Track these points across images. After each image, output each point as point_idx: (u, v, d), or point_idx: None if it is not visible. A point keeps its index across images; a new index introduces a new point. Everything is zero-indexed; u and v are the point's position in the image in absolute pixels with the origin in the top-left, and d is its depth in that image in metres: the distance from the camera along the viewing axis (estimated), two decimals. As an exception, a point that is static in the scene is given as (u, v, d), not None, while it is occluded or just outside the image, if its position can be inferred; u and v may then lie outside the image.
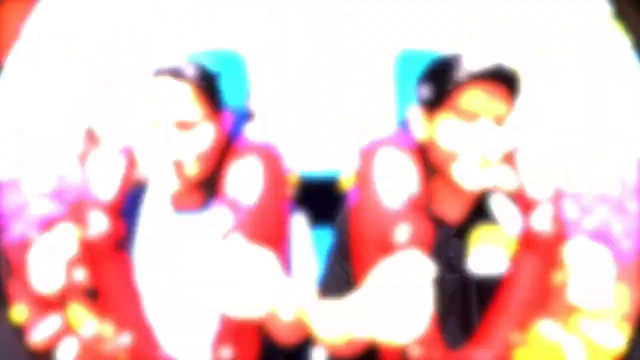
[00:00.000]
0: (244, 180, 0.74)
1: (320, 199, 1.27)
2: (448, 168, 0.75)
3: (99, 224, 0.76)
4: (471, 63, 0.72)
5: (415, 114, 0.79)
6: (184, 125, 0.74)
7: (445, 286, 0.77)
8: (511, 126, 0.74)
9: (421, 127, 0.79)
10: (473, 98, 0.72)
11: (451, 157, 0.74)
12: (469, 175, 0.73)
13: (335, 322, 0.64)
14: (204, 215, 0.82)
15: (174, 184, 0.76)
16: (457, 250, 0.78)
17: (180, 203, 0.83)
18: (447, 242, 0.78)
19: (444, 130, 0.74)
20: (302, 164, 1.37)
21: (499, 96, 0.73)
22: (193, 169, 0.76)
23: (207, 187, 0.83)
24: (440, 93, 0.75)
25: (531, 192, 0.77)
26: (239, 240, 0.68)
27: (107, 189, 0.80)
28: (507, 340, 0.76)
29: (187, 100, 0.73)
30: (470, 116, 0.72)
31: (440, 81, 0.75)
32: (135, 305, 0.79)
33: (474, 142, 0.72)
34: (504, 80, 0.72)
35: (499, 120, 0.73)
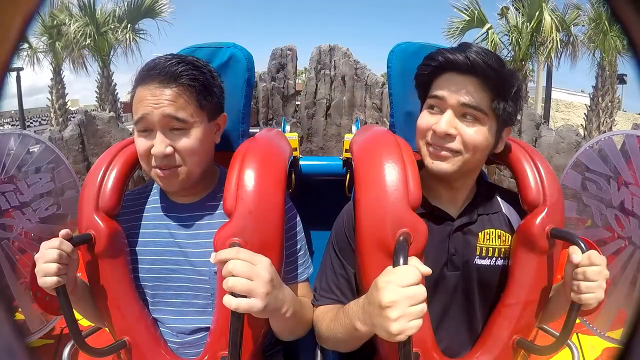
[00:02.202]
0: (242, 181, 0.71)
1: (320, 198, 1.26)
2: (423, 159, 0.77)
3: (99, 224, 0.76)
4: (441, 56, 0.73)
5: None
6: (178, 125, 0.73)
7: (446, 282, 0.78)
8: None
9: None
10: (437, 89, 0.74)
11: (420, 147, 0.77)
12: (430, 163, 0.75)
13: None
14: (200, 213, 0.82)
15: (170, 183, 0.76)
16: (457, 246, 0.78)
17: (177, 200, 0.83)
18: (448, 238, 0.78)
19: (419, 122, 0.77)
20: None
21: (466, 86, 0.71)
22: (188, 167, 0.75)
23: (204, 186, 0.83)
24: (422, 92, 0.78)
25: (531, 190, 0.77)
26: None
27: (107, 189, 0.80)
28: (508, 341, 0.76)
29: (180, 100, 0.72)
30: (433, 107, 0.75)
31: (419, 80, 0.78)
32: (135, 304, 0.79)
33: (432, 131, 0.73)
34: (475, 71, 0.71)
35: (461, 110, 0.72)
